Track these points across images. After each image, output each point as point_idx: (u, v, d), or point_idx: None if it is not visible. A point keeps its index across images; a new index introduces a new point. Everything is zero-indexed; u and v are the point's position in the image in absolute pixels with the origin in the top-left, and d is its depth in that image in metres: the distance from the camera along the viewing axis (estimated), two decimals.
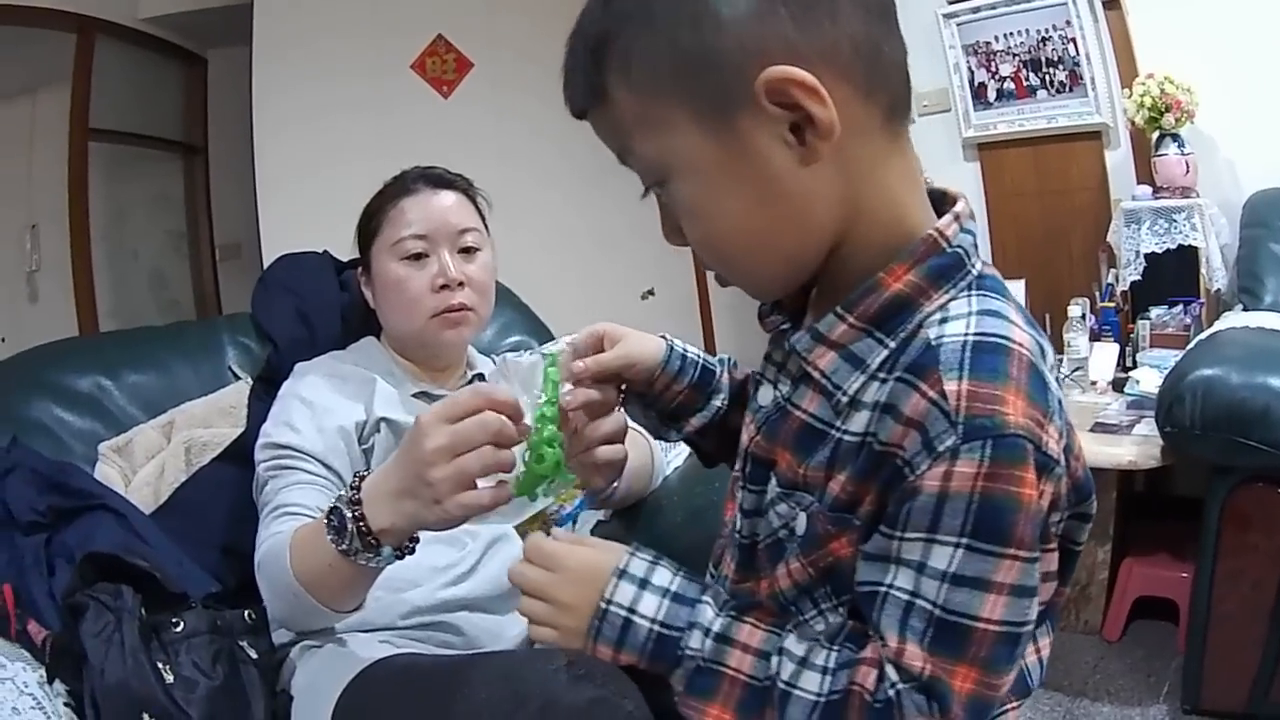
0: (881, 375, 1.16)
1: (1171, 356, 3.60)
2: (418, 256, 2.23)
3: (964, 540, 1.05)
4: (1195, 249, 4.18)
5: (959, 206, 1.21)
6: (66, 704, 1.72)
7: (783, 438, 1.29)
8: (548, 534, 1.50)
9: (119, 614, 1.74)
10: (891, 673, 1.08)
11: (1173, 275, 4.25)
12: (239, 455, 2.18)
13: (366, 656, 1.80)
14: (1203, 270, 4.20)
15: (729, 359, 1.69)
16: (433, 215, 2.25)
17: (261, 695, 1.84)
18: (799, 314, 1.33)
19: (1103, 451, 3.47)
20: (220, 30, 6.71)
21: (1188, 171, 4.21)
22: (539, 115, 5.82)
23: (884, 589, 1.11)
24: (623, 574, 1.25)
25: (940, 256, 1.17)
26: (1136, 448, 3.42)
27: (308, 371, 2.27)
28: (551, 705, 1.45)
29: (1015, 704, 1.28)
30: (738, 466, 1.44)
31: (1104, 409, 3.80)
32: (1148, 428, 3.42)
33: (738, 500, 1.41)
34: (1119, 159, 4.70)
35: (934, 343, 1.11)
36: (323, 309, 2.58)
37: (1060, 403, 1.13)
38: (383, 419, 2.13)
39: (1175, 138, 4.23)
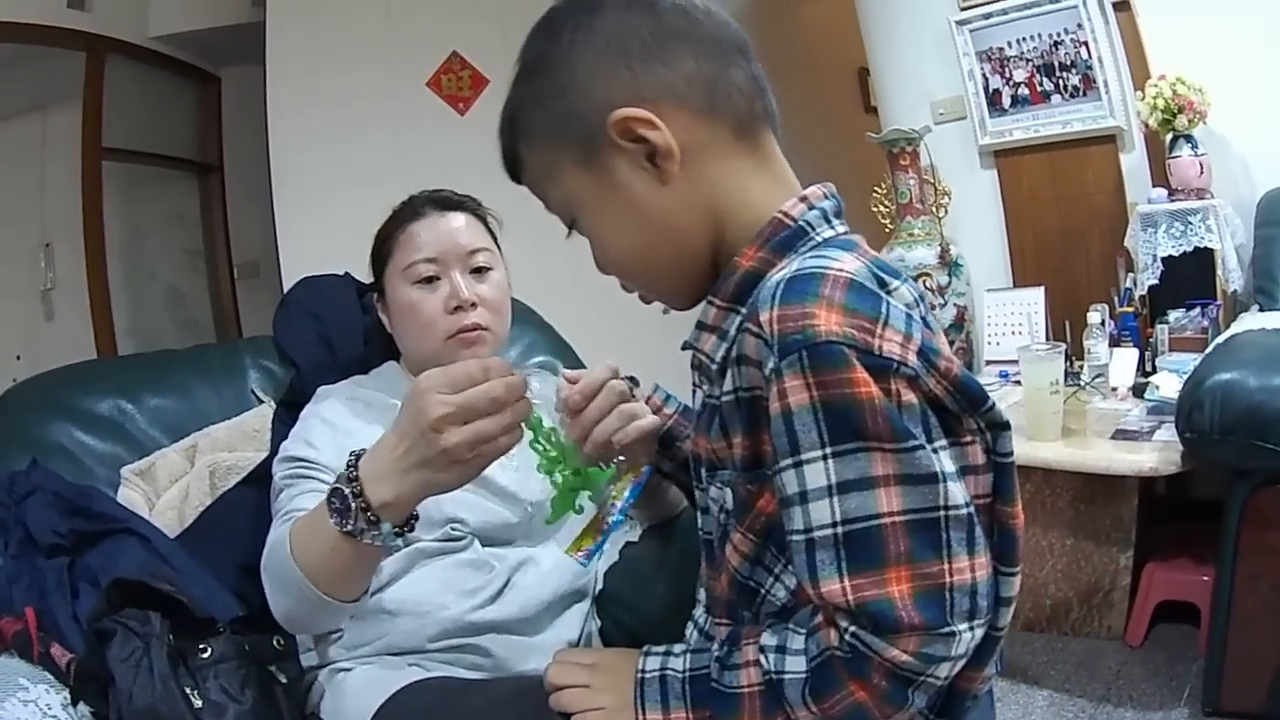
0: (734, 335, 1.33)
1: (1190, 360, 3.58)
2: (430, 279, 2.25)
3: (827, 450, 1.17)
4: (1211, 251, 4.17)
5: (810, 190, 1.42)
6: None
7: (700, 427, 1.47)
8: (603, 542, 1.60)
9: (147, 639, 1.74)
10: (839, 619, 1.20)
11: (1190, 278, 4.24)
12: (263, 479, 2.18)
13: (396, 680, 1.82)
14: (1219, 272, 4.19)
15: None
16: (442, 238, 2.28)
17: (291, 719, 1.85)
18: None
19: (1124, 459, 3.46)
20: (232, 48, 6.72)
21: (1201, 172, 4.21)
22: None
23: (790, 538, 1.24)
24: (649, 653, 1.44)
25: (784, 231, 1.36)
26: (1157, 454, 3.39)
27: (329, 395, 2.28)
28: None
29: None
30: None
31: (1124, 415, 3.78)
32: (1168, 433, 3.40)
33: (697, 501, 1.55)
34: (1134, 162, 4.69)
35: (760, 291, 1.28)
36: (344, 331, 2.59)
37: (910, 316, 1.25)
38: None
39: (1189, 139, 4.23)
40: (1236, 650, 3.15)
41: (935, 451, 1.19)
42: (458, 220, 2.32)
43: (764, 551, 1.38)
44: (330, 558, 1.67)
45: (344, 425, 2.15)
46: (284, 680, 1.89)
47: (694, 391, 1.54)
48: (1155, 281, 4.28)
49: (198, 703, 1.72)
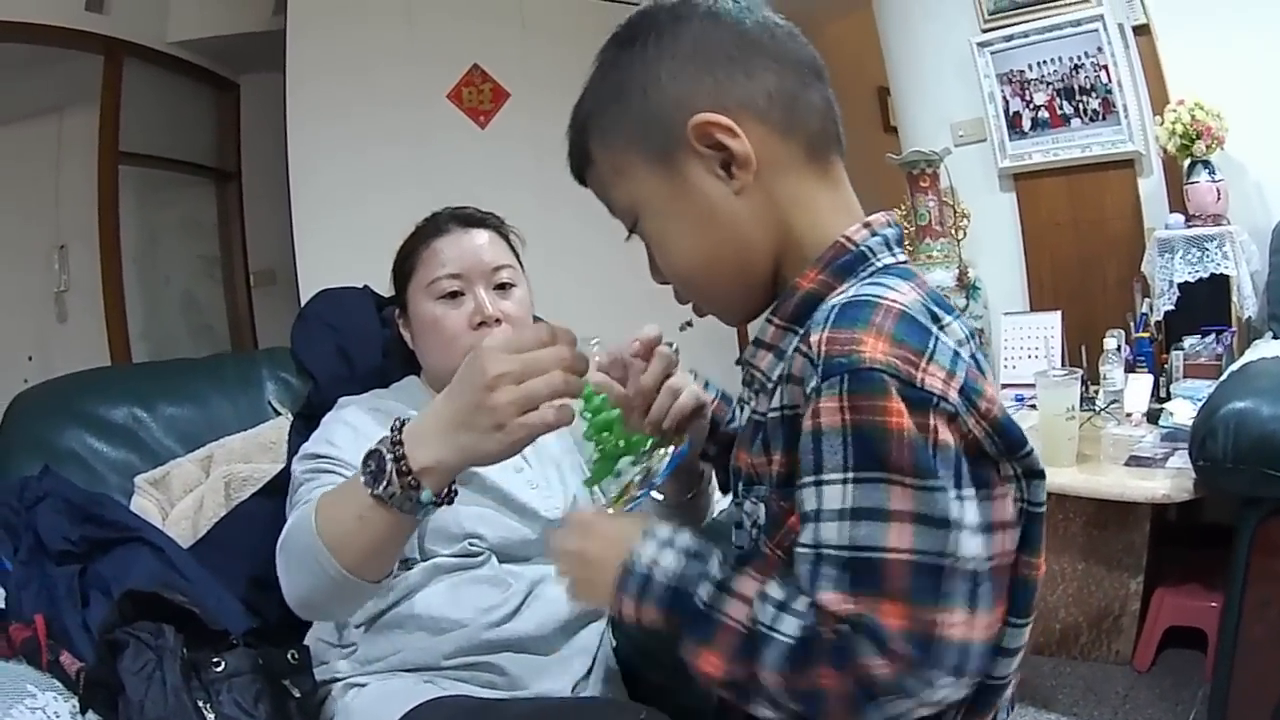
0: (789, 355, 1.33)
1: (1204, 387, 3.59)
2: (454, 295, 2.25)
3: (849, 475, 1.16)
4: (1227, 277, 4.17)
5: (873, 216, 1.42)
6: None
7: (743, 441, 1.45)
8: (629, 510, 1.58)
9: (160, 652, 1.74)
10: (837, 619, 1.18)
11: (1205, 304, 4.24)
12: (279, 491, 2.18)
13: (411, 696, 1.82)
14: (1234, 298, 4.18)
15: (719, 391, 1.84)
16: (466, 254, 2.28)
17: None
18: None
19: (1137, 485, 3.46)
20: (252, 56, 6.70)
21: (1219, 199, 4.21)
22: None
23: (798, 549, 1.23)
24: (648, 535, 1.36)
25: (845, 256, 1.36)
26: (1170, 481, 3.39)
27: (351, 404, 2.28)
28: None
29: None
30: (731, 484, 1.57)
31: (1138, 442, 3.78)
32: (1181, 460, 3.39)
33: (732, 516, 1.53)
34: (1152, 187, 4.70)
35: (816, 313, 1.28)
36: (363, 345, 2.59)
37: (958, 354, 1.25)
38: None
39: (1206, 164, 4.23)
40: (1243, 677, 3.13)
41: (960, 499, 1.18)
42: (481, 237, 2.32)
43: (789, 570, 1.30)
44: (358, 527, 1.62)
45: (366, 429, 2.13)
46: (298, 695, 1.89)
47: (740, 407, 1.54)
48: (1171, 307, 4.28)
49: (210, 716, 1.72)
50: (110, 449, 2.46)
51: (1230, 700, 3.16)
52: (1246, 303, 4.20)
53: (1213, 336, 4.17)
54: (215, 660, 1.81)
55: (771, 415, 1.33)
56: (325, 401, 2.37)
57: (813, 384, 1.19)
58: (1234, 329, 4.18)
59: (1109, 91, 4.64)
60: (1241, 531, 3.08)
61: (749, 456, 1.40)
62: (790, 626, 1.21)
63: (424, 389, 2.35)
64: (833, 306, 1.24)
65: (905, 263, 1.40)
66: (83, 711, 1.76)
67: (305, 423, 2.47)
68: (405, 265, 2.32)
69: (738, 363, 1.47)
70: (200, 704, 1.73)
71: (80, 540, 2.12)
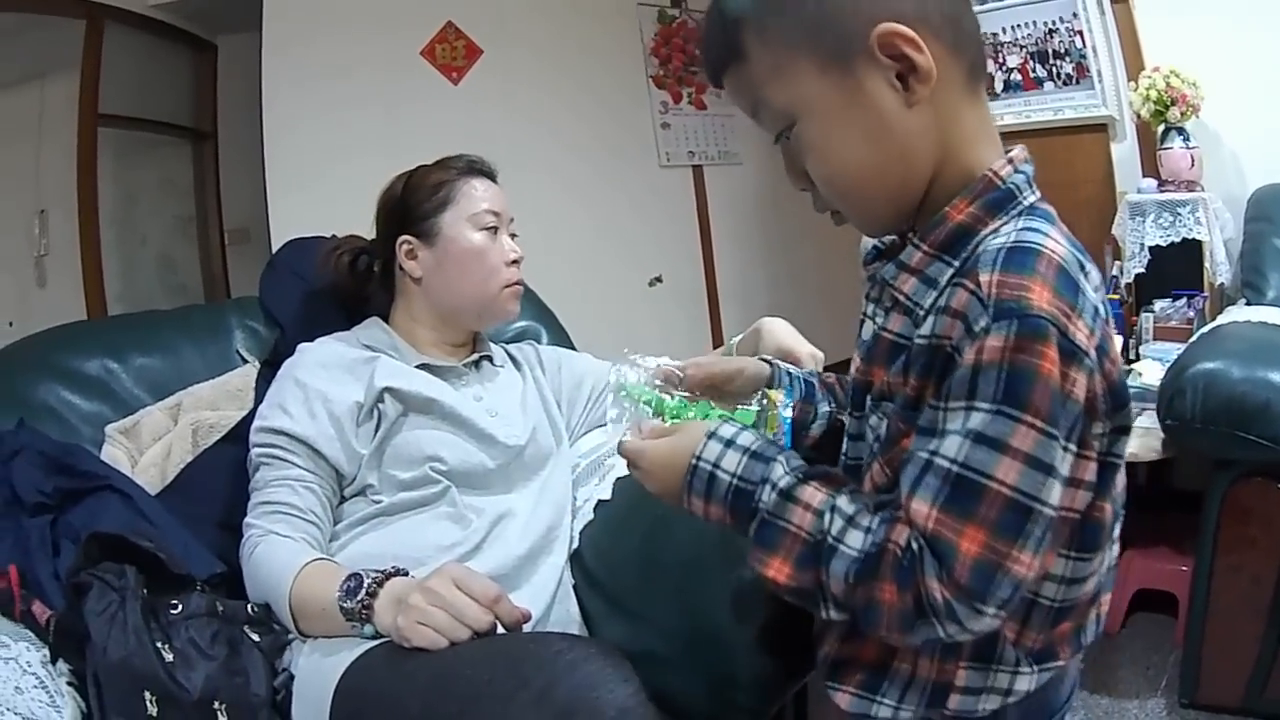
0: (945, 286, 1.35)
1: (1174, 349, 3.57)
2: (493, 230, 2.37)
3: (996, 405, 1.20)
4: (1199, 242, 4.17)
5: (1014, 152, 1.42)
6: (70, 683, 1.76)
7: (876, 359, 1.47)
8: None
9: (122, 593, 1.77)
10: (913, 531, 1.25)
11: (1177, 268, 4.24)
12: (245, 437, 2.20)
13: (365, 640, 1.86)
14: (1206, 264, 4.18)
15: (814, 372, 1.95)
16: (499, 198, 2.41)
17: (263, 673, 1.87)
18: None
19: None
20: (230, 16, 6.63)
21: (1193, 165, 4.20)
22: (548, 102, 5.79)
23: (915, 451, 1.28)
24: (712, 435, 1.47)
25: (995, 192, 1.37)
26: (1138, 440, 3.38)
27: (307, 352, 2.31)
28: (551, 687, 1.49)
29: (1064, 656, 1.49)
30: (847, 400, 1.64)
31: None
32: (1149, 420, 3.37)
33: (846, 428, 1.61)
34: (1124, 151, 4.70)
35: (980, 252, 1.30)
36: (329, 293, 2.59)
37: (1097, 310, 1.29)
38: (386, 389, 2.20)
39: (1181, 131, 4.22)
40: (1214, 643, 3.14)
41: (1064, 450, 1.23)
42: (497, 188, 2.45)
43: (859, 488, 1.43)
44: (319, 613, 1.92)
45: (318, 387, 2.19)
46: (257, 639, 1.91)
47: (862, 321, 1.57)
48: (1142, 270, 4.27)
49: (169, 656, 1.74)
50: (83, 400, 2.47)
51: (1202, 667, 3.17)
52: (1220, 269, 4.20)
53: (1184, 300, 4.17)
54: (173, 603, 1.85)
55: (919, 341, 1.34)
56: (291, 348, 2.39)
57: (982, 323, 1.22)
58: (1206, 294, 4.18)
59: (1083, 56, 4.63)
60: (1212, 495, 3.09)
61: (886, 374, 1.43)
62: (856, 540, 1.29)
63: (386, 330, 2.39)
64: (999, 249, 1.28)
65: (1043, 200, 1.43)
66: (53, 660, 1.78)
67: (273, 370, 2.46)
68: (437, 194, 2.39)
69: (879, 283, 1.48)
70: (159, 645, 1.74)
71: (54, 491, 2.13)
